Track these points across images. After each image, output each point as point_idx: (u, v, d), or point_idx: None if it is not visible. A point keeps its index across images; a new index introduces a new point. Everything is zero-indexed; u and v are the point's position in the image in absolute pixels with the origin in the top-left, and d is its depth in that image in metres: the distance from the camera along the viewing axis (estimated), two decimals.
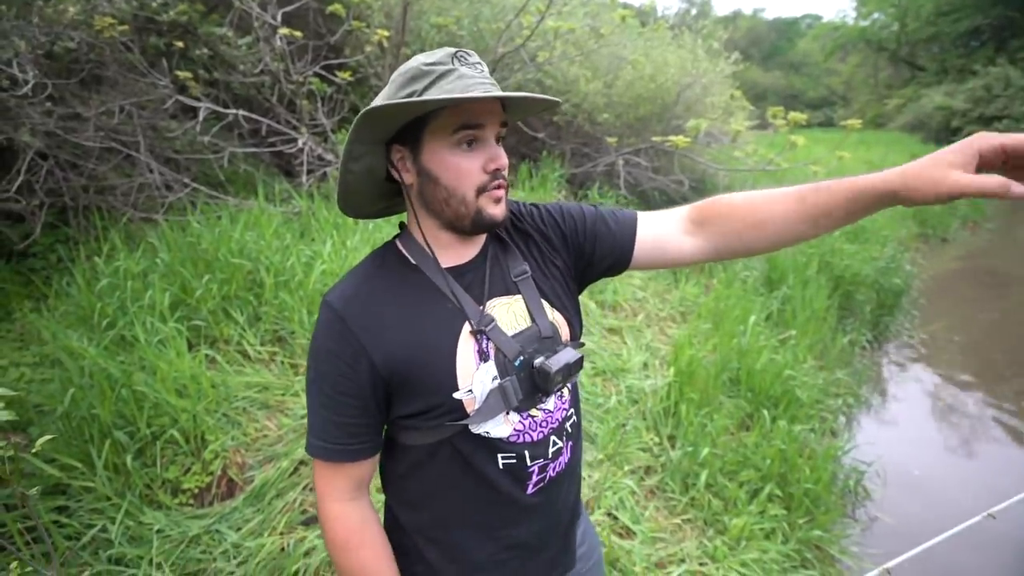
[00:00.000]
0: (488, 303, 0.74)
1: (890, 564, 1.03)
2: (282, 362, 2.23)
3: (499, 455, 0.73)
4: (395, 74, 0.69)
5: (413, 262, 0.74)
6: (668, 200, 5.13)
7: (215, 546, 1.62)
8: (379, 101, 0.67)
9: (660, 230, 0.82)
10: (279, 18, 3.23)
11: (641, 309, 3.42)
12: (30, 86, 2.33)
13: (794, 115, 3.85)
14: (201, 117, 3.05)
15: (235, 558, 1.59)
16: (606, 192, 4.50)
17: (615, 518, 1.89)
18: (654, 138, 4.37)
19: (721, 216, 0.78)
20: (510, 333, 0.73)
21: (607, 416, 2.33)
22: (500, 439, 0.73)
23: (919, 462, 3.09)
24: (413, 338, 0.70)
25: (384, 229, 2.89)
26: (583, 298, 3.14)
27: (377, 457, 0.78)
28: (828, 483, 2.36)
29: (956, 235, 8.29)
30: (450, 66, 0.66)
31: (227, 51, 3.28)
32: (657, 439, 2.33)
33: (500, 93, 0.64)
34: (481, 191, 0.69)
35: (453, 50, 0.68)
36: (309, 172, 3.33)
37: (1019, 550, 2.44)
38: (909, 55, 25.85)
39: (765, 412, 2.55)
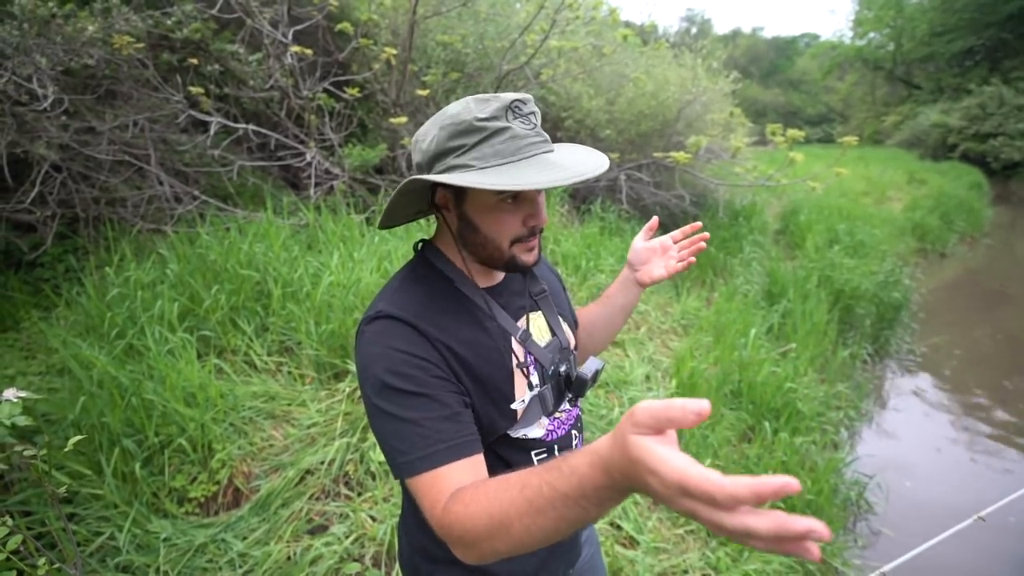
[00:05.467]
0: (521, 319, 0.80)
1: (887, 568, 1.05)
2: (289, 372, 2.26)
3: (533, 453, 0.78)
4: (445, 119, 0.67)
5: (454, 282, 0.75)
6: (670, 215, 5.19)
7: (221, 555, 1.63)
8: (425, 142, 0.68)
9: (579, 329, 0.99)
10: (290, 36, 3.32)
11: (643, 322, 3.45)
12: (49, 101, 2.39)
13: (792, 132, 3.92)
14: (212, 131, 3.12)
15: (241, 567, 1.60)
16: (608, 207, 4.56)
17: (619, 528, 1.90)
18: (655, 154, 4.45)
19: (581, 325, 0.99)
20: (541, 344, 0.80)
21: (610, 428, 2.34)
22: (535, 439, 0.78)
23: (920, 474, 3.09)
24: (477, 353, 0.71)
25: (389, 241, 2.94)
26: None
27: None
28: (830, 495, 2.37)
29: (954, 250, 8.34)
30: (503, 122, 0.65)
31: (238, 67, 3.36)
32: None
33: (553, 183, 0.62)
34: (516, 242, 0.71)
35: (509, 99, 0.65)
36: (316, 185, 3.38)
37: (1015, 551, 2.46)
38: (905, 74, 26.20)
39: (767, 424, 2.57)
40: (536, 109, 0.69)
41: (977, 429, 3.62)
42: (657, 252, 0.95)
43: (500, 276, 0.81)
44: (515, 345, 0.76)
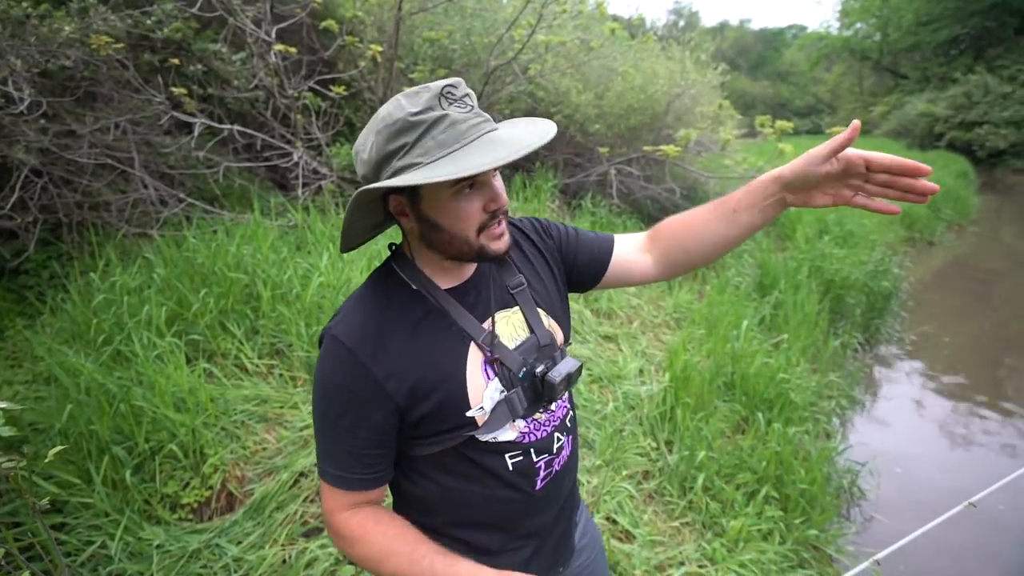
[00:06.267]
0: (488, 320, 0.76)
1: (880, 555, 1.05)
2: (280, 375, 2.24)
3: (507, 455, 0.76)
4: (379, 123, 0.64)
5: (414, 287, 0.74)
6: (660, 208, 5.19)
7: (215, 560, 1.62)
8: (365, 152, 0.66)
9: (628, 253, 0.90)
10: (273, 34, 3.27)
11: (636, 316, 3.45)
12: (25, 104, 2.34)
13: (781, 123, 3.93)
14: (196, 132, 3.07)
15: (236, 572, 1.58)
16: (599, 201, 4.55)
17: (614, 522, 1.91)
18: (645, 148, 4.44)
19: (671, 234, 0.87)
20: (511, 345, 0.76)
21: (604, 422, 2.34)
22: (507, 442, 0.76)
23: (910, 460, 3.13)
24: (424, 364, 0.70)
25: (380, 240, 2.91)
26: (577, 307, 3.17)
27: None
28: (823, 484, 2.39)
29: (942, 238, 8.43)
30: (438, 111, 0.63)
31: (221, 67, 3.31)
32: (654, 444, 2.35)
33: (501, 160, 0.61)
34: (482, 230, 0.69)
35: (439, 87, 0.64)
36: (304, 185, 3.35)
37: (1008, 536, 2.50)
38: (892, 63, 26.40)
39: (760, 415, 2.58)
40: (470, 91, 0.67)
41: (966, 415, 3.66)
42: (836, 174, 0.69)
43: (468, 274, 0.77)
44: (474, 349, 0.73)
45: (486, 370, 0.73)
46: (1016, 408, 3.69)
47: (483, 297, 0.77)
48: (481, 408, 0.72)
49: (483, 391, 0.72)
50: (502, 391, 0.73)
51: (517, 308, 0.79)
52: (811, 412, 2.96)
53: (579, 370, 0.78)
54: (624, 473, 2.12)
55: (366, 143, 0.66)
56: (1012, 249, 8.44)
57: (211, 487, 1.80)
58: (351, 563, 1.61)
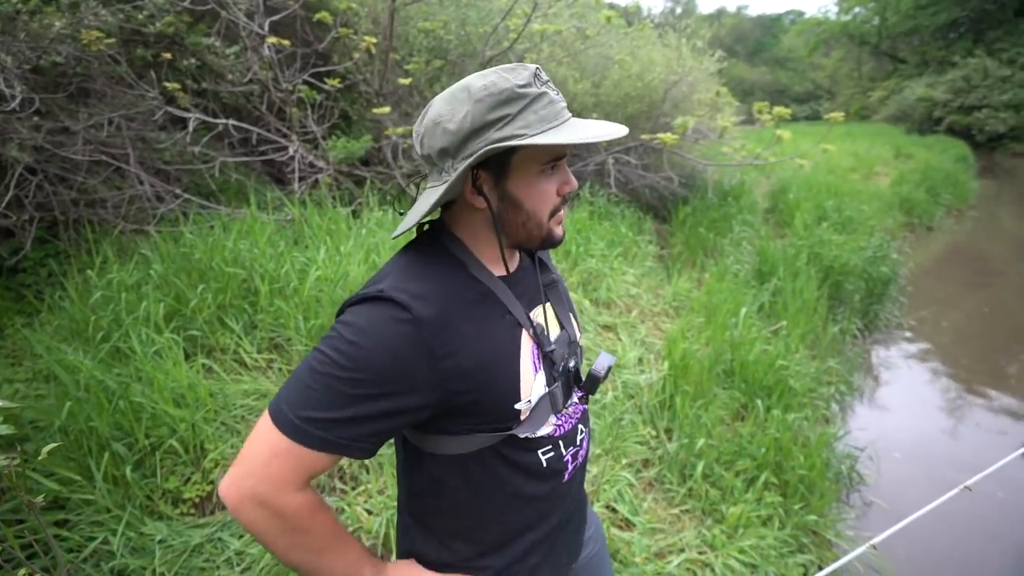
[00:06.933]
0: (534, 311, 0.76)
1: (876, 539, 1.06)
2: (279, 369, 2.24)
3: (540, 451, 0.75)
4: (479, 91, 0.62)
5: (468, 268, 0.71)
6: (658, 197, 5.18)
7: (218, 554, 1.63)
8: (454, 122, 0.63)
9: None
10: (266, 27, 3.24)
11: (635, 305, 3.45)
12: (17, 101, 2.32)
13: (779, 110, 3.91)
14: (191, 127, 3.05)
15: (238, 565, 1.60)
16: (597, 191, 4.54)
17: (614, 511, 1.92)
18: (643, 136, 4.42)
19: None
20: (552, 339, 0.77)
21: (604, 411, 2.35)
22: (543, 436, 0.75)
23: (909, 445, 3.15)
24: (483, 351, 0.68)
25: (377, 234, 2.90)
26: (576, 296, 3.17)
27: None
28: (822, 469, 2.40)
29: (941, 223, 8.41)
30: (537, 88, 0.64)
31: (215, 61, 3.29)
32: (654, 432, 2.36)
33: (606, 136, 0.65)
34: (553, 214, 0.71)
35: (532, 68, 0.65)
36: (301, 179, 3.34)
37: (1005, 519, 2.51)
38: (890, 48, 26.23)
39: (759, 402, 2.59)
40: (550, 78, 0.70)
41: (965, 400, 3.68)
42: None
43: (514, 265, 0.77)
44: (525, 340, 0.72)
45: (535, 362, 0.73)
46: (1014, 393, 3.70)
47: (527, 289, 0.77)
48: (528, 401, 0.71)
49: (531, 383, 0.72)
50: (547, 384, 0.73)
51: (550, 304, 0.81)
52: (810, 398, 2.97)
53: (614, 365, 0.82)
54: (624, 461, 2.13)
55: (456, 113, 0.63)
56: (1011, 233, 8.44)
57: (212, 482, 1.80)
58: None
